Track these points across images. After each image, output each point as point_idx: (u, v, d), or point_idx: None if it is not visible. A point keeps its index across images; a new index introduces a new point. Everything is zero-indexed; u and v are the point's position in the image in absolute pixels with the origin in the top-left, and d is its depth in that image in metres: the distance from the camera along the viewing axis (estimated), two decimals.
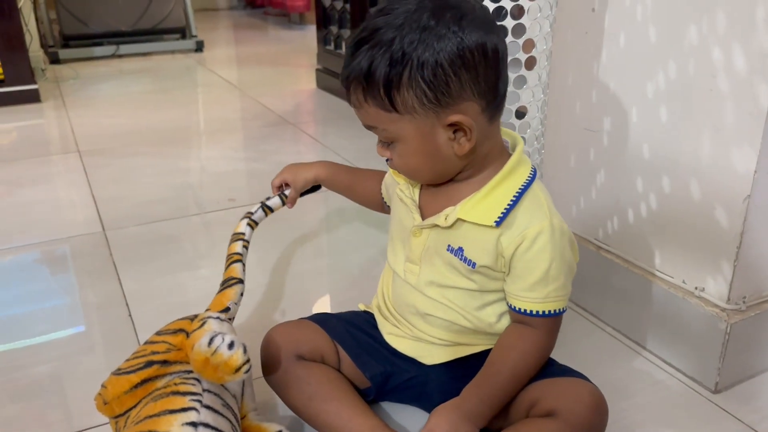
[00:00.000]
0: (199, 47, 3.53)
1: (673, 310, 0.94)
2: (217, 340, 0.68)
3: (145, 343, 0.76)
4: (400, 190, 0.80)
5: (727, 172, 0.84)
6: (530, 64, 0.87)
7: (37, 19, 3.13)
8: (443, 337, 0.79)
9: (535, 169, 0.74)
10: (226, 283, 0.85)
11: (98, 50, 3.33)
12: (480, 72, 0.66)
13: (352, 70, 0.67)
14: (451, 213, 0.73)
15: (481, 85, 0.66)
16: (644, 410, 0.87)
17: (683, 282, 0.93)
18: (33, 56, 2.63)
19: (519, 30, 0.84)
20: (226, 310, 0.81)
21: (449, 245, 0.75)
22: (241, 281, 0.85)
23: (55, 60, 3.18)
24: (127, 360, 0.74)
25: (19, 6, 2.46)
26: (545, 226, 0.70)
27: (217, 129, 2.20)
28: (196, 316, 0.77)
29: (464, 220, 0.72)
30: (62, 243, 1.36)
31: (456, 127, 0.68)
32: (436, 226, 0.75)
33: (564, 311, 0.74)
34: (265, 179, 1.70)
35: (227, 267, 0.87)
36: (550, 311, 0.73)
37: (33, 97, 2.44)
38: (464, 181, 0.74)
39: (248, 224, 0.94)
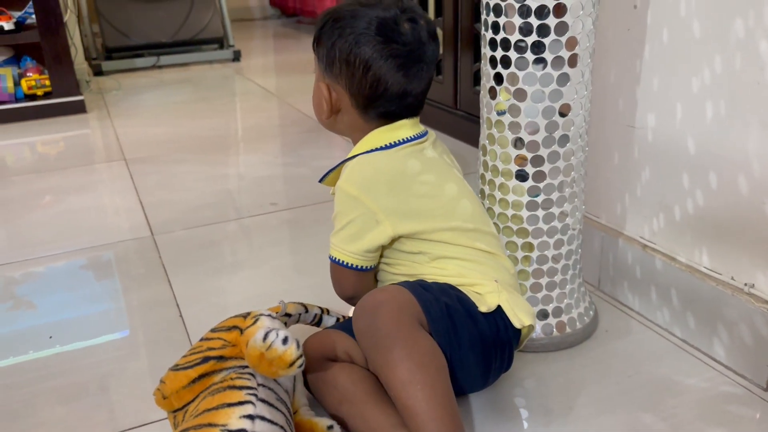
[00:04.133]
0: (237, 57, 3.59)
1: (722, 307, 0.93)
2: (272, 336, 0.70)
3: (201, 339, 0.78)
4: None
5: None
6: (573, 61, 0.87)
7: (81, 33, 3.22)
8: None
9: (375, 149, 0.86)
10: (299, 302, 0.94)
11: (139, 61, 3.42)
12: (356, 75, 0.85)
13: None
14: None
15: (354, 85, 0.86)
16: (694, 408, 0.86)
17: (732, 278, 0.92)
18: (78, 68, 2.71)
19: (562, 28, 0.85)
20: (287, 315, 0.88)
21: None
22: (320, 311, 0.96)
23: (98, 72, 3.27)
24: (184, 356, 0.76)
25: (65, 20, 2.54)
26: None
27: (257, 136, 2.24)
28: (248, 313, 0.79)
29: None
30: (112, 247, 1.40)
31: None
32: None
33: (339, 262, 0.86)
34: (305, 183, 1.74)
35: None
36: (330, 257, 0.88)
37: (79, 108, 2.52)
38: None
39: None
